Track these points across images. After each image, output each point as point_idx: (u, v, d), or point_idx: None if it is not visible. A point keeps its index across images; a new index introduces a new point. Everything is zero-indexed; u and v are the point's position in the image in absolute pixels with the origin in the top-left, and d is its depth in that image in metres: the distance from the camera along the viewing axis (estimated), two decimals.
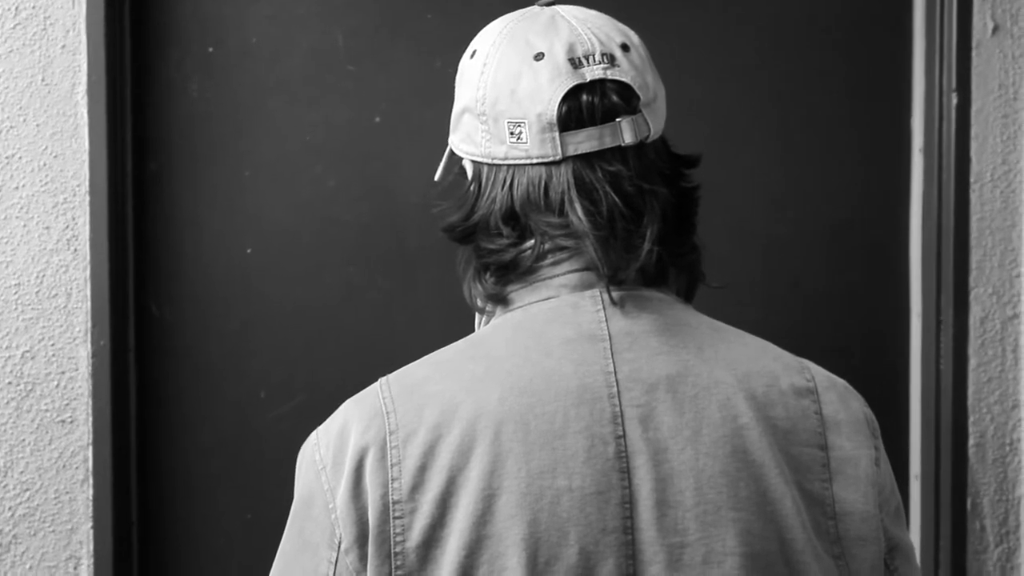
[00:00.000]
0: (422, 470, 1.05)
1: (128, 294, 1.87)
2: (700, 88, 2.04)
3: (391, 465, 1.05)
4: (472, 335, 1.16)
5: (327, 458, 1.08)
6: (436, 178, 1.26)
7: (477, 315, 1.20)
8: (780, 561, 1.07)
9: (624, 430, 1.06)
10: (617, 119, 1.10)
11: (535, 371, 1.08)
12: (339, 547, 1.06)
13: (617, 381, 1.08)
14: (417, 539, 1.04)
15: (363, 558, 1.05)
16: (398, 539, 1.04)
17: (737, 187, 2.06)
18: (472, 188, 1.15)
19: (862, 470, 1.12)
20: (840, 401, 1.14)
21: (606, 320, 1.10)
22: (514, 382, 1.07)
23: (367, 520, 1.05)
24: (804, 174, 2.06)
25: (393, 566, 1.04)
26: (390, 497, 1.04)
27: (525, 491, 1.04)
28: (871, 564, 1.11)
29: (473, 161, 1.16)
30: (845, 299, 2.07)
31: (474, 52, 1.17)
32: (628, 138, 1.10)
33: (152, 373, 1.93)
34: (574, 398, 1.06)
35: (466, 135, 1.16)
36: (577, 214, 1.09)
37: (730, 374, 1.10)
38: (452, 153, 1.21)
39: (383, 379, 1.12)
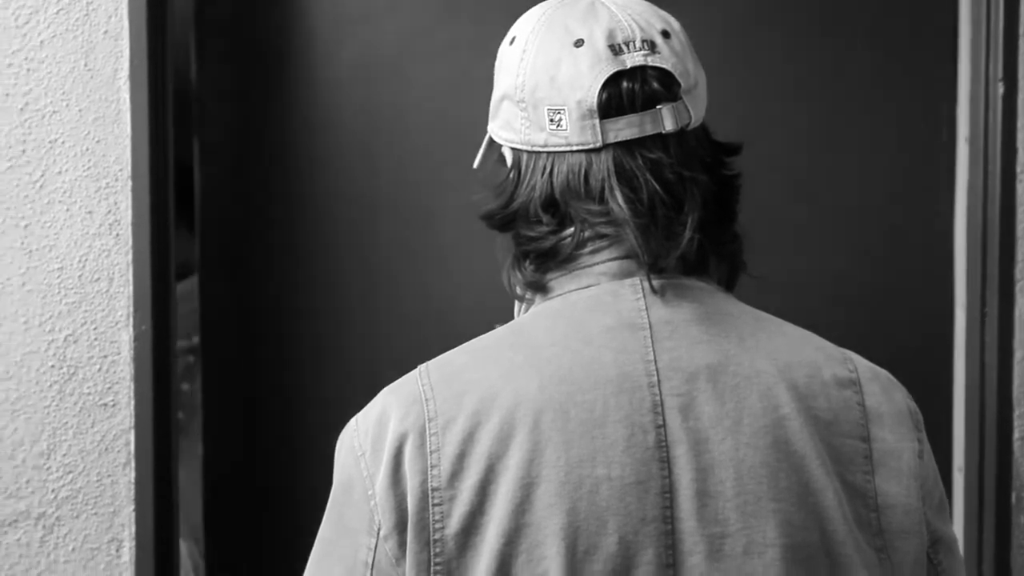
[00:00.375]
0: (461, 457, 1.05)
1: (170, 279, 1.87)
2: (740, 77, 2.02)
3: (430, 452, 1.05)
4: (511, 323, 1.16)
5: (366, 444, 1.09)
6: (475, 166, 1.25)
7: (516, 302, 1.19)
8: (821, 552, 1.06)
9: (664, 419, 1.06)
10: (658, 106, 1.10)
11: (575, 359, 1.07)
12: (378, 533, 1.06)
13: (657, 370, 1.07)
14: (456, 526, 1.04)
15: (402, 545, 1.05)
16: (437, 526, 1.04)
17: (778, 178, 2.04)
18: (511, 176, 1.15)
19: (904, 463, 1.11)
20: (883, 393, 1.13)
21: (646, 308, 1.10)
22: (554, 370, 1.07)
23: (406, 507, 1.05)
24: (847, 164, 2.04)
25: (432, 553, 1.04)
26: (429, 484, 1.05)
27: (564, 480, 1.04)
28: (914, 557, 1.10)
29: (512, 148, 1.16)
30: (889, 291, 2.05)
31: (513, 38, 1.17)
32: (669, 125, 1.10)
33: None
34: (614, 387, 1.06)
35: (505, 122, 1.16)
36: (618, 202, 1.08)
37: (771, 364, 1.09)
38: (491, 141, 1.21)
39: (422, 366, 1.12)
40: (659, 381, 1.07)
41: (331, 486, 1.12)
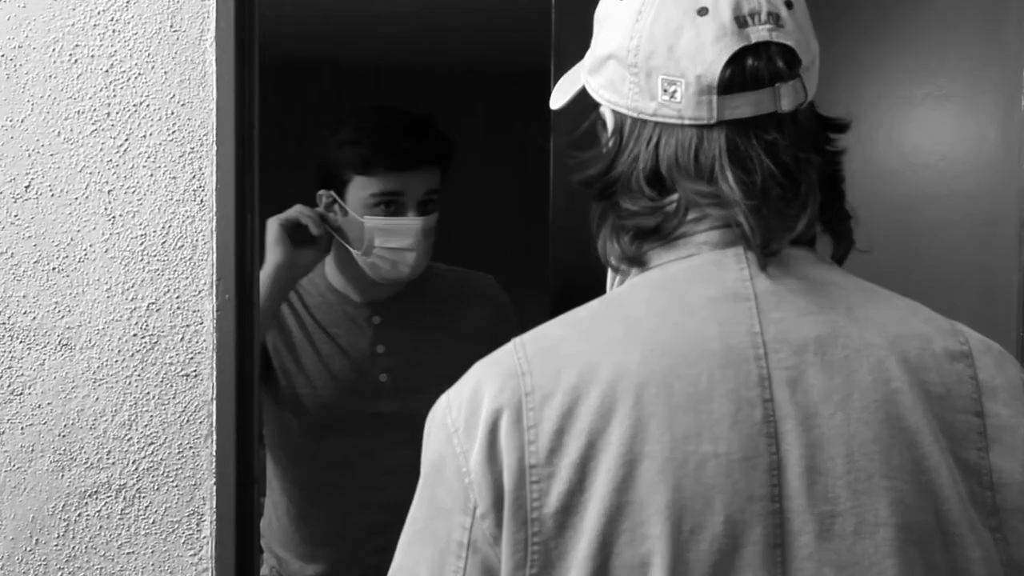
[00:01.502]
0: (560, 433, 1.01)
1: (254, 248, 1.83)
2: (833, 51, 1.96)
3: (527, 428, 1.02)
4: (607, 295, 1.12)
5: (459, 421, 1.05)
6: (553, 104, 1.21)
7: (610, 273, 1.15)
8: (935, 533, 1.02)
9: (772, 393, 1.02)
10: (777, 84, 1.05)
11: (677, 332, 1.04)
12: (474, 512, 1.03)
13: (764, 342, 1.04)
14: (555, 505, 1.01)
15: (499, 523, 1.02)
16: (535, 504, 1.01)
17: (876, 152, 1.98)
18: (613, 142, 1.11)
19: (1020, 438, 1.07)
20: (996, 366, 1.08)
21: (751, 279, 1.06)
22: (656, 343, 1.03)
23: (503, 484, 1.02)
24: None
25: (529, 532, 1.01)
26: (527, 461, 1.01)
27: (669, 456, 1.00)
28: None
29: (615, 111, 1.11)
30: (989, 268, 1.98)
31: None
32: (786, 105, 1.06)
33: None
34: (719, 360, 1.02)
35: (609, 82, 1.11)
36: (728, 183, 1.04)
37: (881, 336, 1.05)
38: (583, 92, 1.16)
39: (517, 339, 1.08)
40: (766, 354, 1.03)
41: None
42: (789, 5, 1.08)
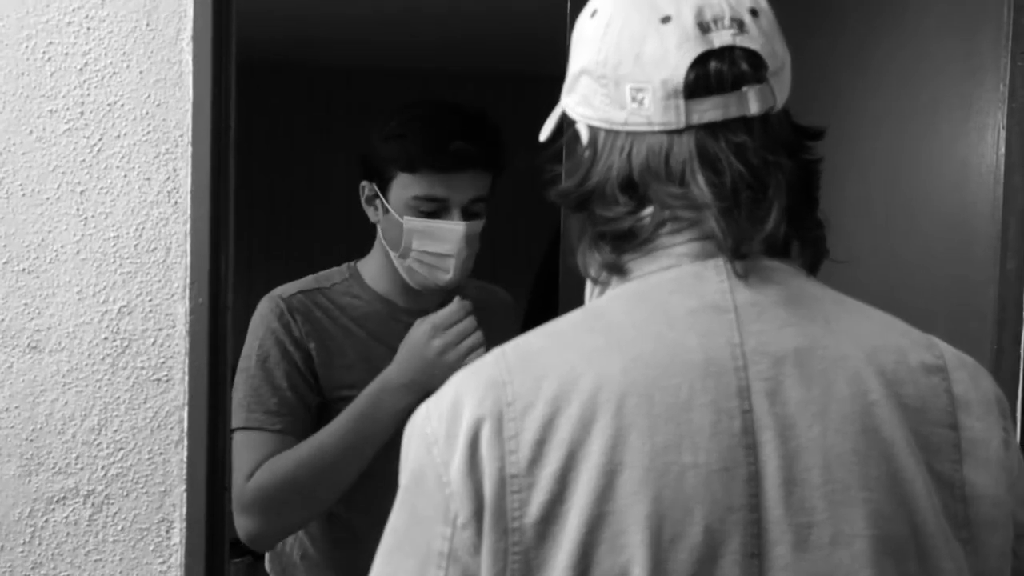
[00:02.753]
0: (541, 444, 1.01)
1: (228, 250, 1.81)
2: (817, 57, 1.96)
3: (508, 438, 1.02)
4: (588, 305, 1.13)
5: (439, 431, 1.05)
6: (542, 137, 1.21)
7: (588, 285, 1.16)
8: (910, 544, 1.03)
9: (751, 404, 1.03)
10: (744, 88, 1.06)
11: (658, 343, 1.04)
12: (455, 522, 1.02)
13: (744, 354, 1.04)
14: (535, 515, 1.00)
15: (480, 533, 1.02)
16: (515, 514, 1.01)
17: (857, 162, 1.98)
18: (587, 154, 1.12)
19: (992, 452, 1.08)
20: (971, 380, 1.10)
21: (731, 291, 1.06)
22: (637, 354, 1.03)
23: (483, 494, 1.01)
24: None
25: (510, 542, 1.01)
26: (507, 471, 1.01)
27: (649, 466, 1.00)
28: (1000, 550, 1.08)
29: (589, 126, 1.12)
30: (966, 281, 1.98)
31: (595, 11, 1.13)
32: (754, 108, 1.07)
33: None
34: (699, 371, 1.03)
35: (583, 98, 1.12)
36: (699, 185, 1.05)
37: (858, 348, 1.06)
38: (565, 115, 1.17)
39: (498, 349, 1.08)
40: (745, 365, 1.03)
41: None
42: (754, 13, 1.10)
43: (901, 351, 1.08)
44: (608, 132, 1.10)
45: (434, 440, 1.05)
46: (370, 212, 2.15)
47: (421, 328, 2.00)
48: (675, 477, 1.00)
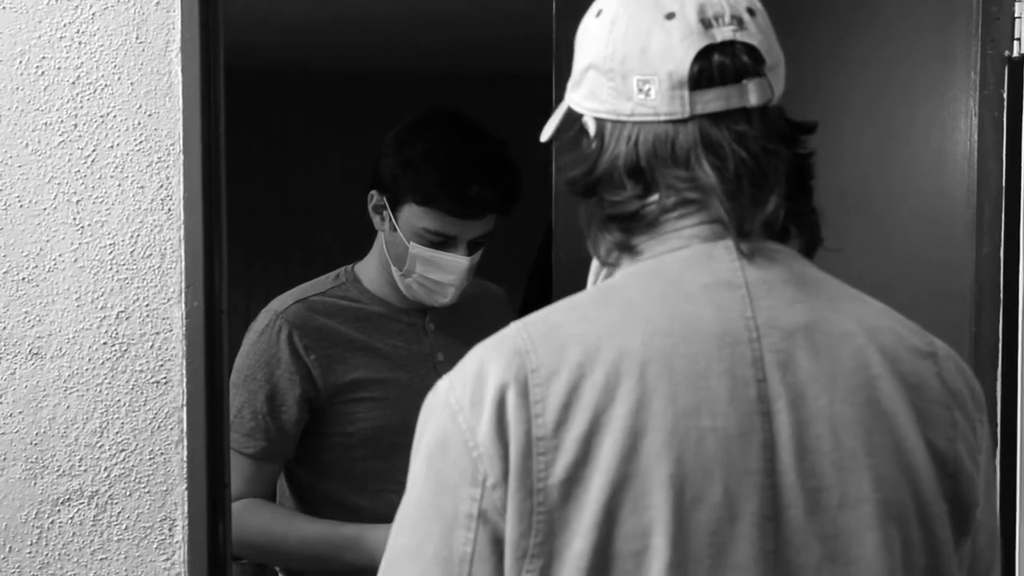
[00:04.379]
0: (566, 408, 1.06)
1: (222, 254, 1.85)
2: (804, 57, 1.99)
3: (534, 402, 1.07)
4: (602, 283, 1.19)
5: (463, 399, 1.09)
6: (543, 138, 1.28)
7: (594, 268, 1.21)
8: (912, 511, 1.09)
9: (765, 374, 1.09)
10: (744, 80, 1.13)
11: (675, 315, 1.10)
12: (484, 483, 1.07)
13: (757, 327, 1.10)
14: (560, 475, 1.05)
15: (507, 494, 1.06)
16: (540, 475, 1.05)
17: (835, 154, 2.01)
18: (594, 145, 1.17)
19: (978, 438, 1.15)
20: (957, 371, 1.16)
21: (742, 269, 1.12)
22: (655, 325, 1.09)
23: (509, 456, 1.06)
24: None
25: (535, 502, 1.05)
26: (533, 434, 1.06)
27: (672, 430, 1.05)
28: (973, 529, 1.14)
29: (596, 118, 1.18)
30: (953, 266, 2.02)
31: (600, 11, 1.19)
32: (754, 100, 1.13)
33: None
34: (716, 342, 1.09)
35: (590, 92, 1.18)
36: (704, 169, 1.11)
37: (860, 327, 1.13)
38: (569, 113, 1.23)
39: (516, 323, 1.13)
40: (759, 337, 1.10)
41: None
42: (751, 12, 1.16)
43: (897, 333, 1.15)
44: (615, 123, 1.16)
45: (459, 408, 1.09)
46: (376, 220, 2.17)
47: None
48: (696, 440, 1.06)
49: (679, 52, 1.13)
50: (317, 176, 5.94)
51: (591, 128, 1.19)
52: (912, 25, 2.05)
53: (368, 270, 2.23)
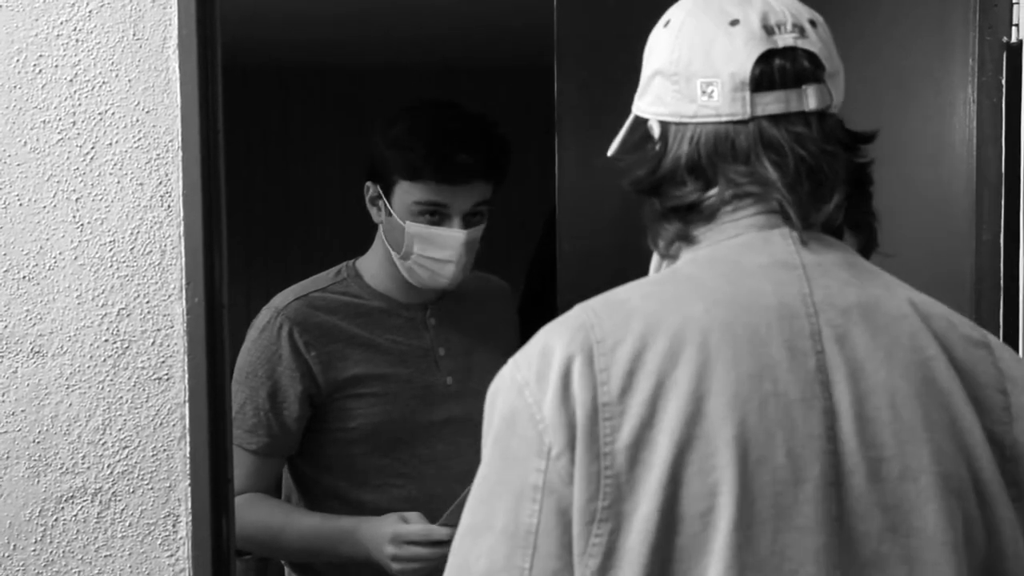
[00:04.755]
0: (630, 374, 1.09)
1: (222, 250, 1.85)
2: None
3: (599, 370, 1.09)
4: (664, 270, 1.22)
5: (529, 376, 1.12)
6: (610, 153, 1.33)
7: (655, 261, 1.25)
8: (970, 487, 1.11)
9: (823, 346, 1.11)
10: (804, 85, 1.17)
11: (736, 288, 1.13)
12: (549, 454, 1.09)
13: (814, 303, 1.13)
14: (627, 439, 1.07)
15: (572, 462, 1.08)
16: (607, 439, 1.07)
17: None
18: (658, 147, 1.22)
19: None
20: (1014, 359, 1.19)
21: (798, 252, 1.16)
22: (717, 297, 1.12)
23: (575, 423, 1.08)
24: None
25: (602, 466, 1.07)
26: (600, 400, 1.08)
27: (735, 393, 1.08)
28: None
29: (660, 121, 1.23)
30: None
31: (668, 21, 1.24)
32: (813, 104, 1.17)
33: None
34: (775, 313, 1.11)
35: (656, 97, 1.23)
36: (764, 165, 1.15)
37: (914, 311, 1.15)
38: (634, 125, 1.27)
39: (583, 303, 1.17)
40: (816, 312, 1.12)
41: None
42: (813, 23, 1.21)
43: (950, 321, 1.18)
44: (678, 125, 1.20)
45: (525, 383, 1.12)
46: (373, 212, 2.18)
47: (385, 528, 2.03)
48: (759, 404, 1.08)
49: (742, 55, 1.17)
50: (317, 172, 5.94)
51: (655, 131, 1.23)
52: (910, 12, 2.05)
53: (370, 265, 2.24)
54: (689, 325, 1.10)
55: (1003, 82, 1.94)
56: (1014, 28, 1.94)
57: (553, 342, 1.12)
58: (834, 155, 1.17)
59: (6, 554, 1.83)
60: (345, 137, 5.77)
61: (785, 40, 1.18)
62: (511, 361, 1.16)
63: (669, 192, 1.20)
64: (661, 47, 1.23)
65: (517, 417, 1.11)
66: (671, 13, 1.25)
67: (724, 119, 1.17)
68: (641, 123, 1.27)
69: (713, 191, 1.18)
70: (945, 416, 1.11)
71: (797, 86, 1.18)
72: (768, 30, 1.18)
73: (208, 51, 1.82)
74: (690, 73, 1.19)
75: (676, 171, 1.19)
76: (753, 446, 1.07)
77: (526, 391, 1.11)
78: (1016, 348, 1.99)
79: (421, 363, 2.19)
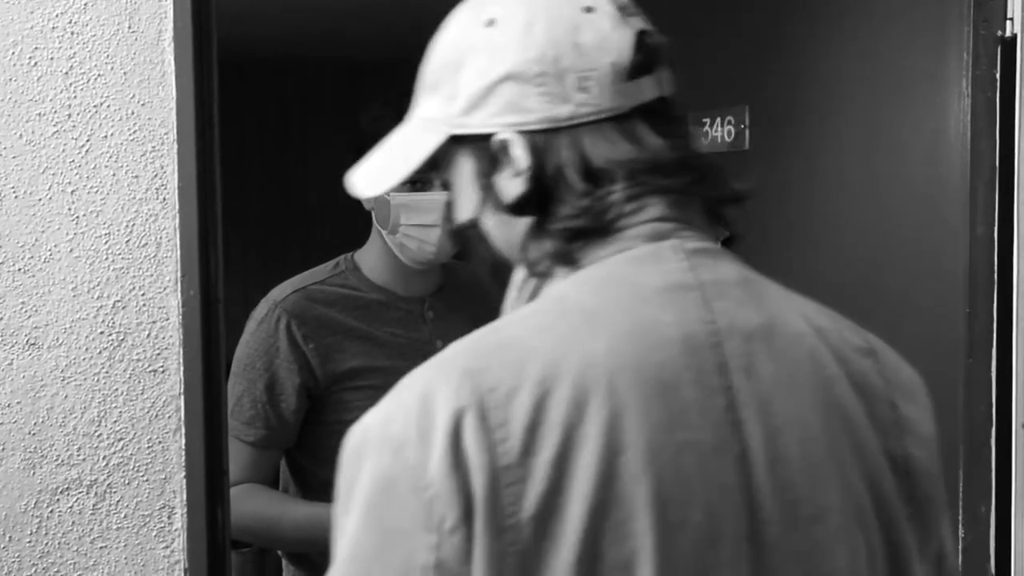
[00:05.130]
0: (531, 430, 0.94)
1: (218, 243, 1.86)
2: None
3: (496, 426, 0.94)
4: (548, 293, 1.08)
5: (408, 431, 0.96)
6: (369, 192, 1.25)
7: (518, 280, 1.12)
8: (873, 516, 1.04)
9: (731, 381, 1.01)
10: (658, 68, 1.09)
11: (636, 319, 1.01)
12: (440, 527, 0.93)
13: (717, 331, 1.02)
14: (532, 508, 0.93)
15: (470, 538, 0.93)
16: (511, 509, 0.93)
17: (831, 138, 2.01)
18: (532, 160, 1.08)
19: (925, 429, 1.10)
20: (896, 364, 1.11)
21: (692, 269, 1.05)
22: (618, 331, 0.99)
23: (472, 492, 0.93)
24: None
25: (506, 542, 0.93)
26: (498, 463, 0.93)
27: (647, 447, 0.95)
28: (938, 529, 1.09)
29: (522, 132, 1.08)
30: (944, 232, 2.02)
31: (492, 20, 1.10)
32: (667, 88, 1.10)
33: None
34: (679, 347, 1.00)
35: (507, 105, 1.07)
36: (645, 164, 1.06)
37: (809, 326, 1.06)
38: (447, 144, 1.13)
39: (457, 343, 1.03)
40: (720, 342, 1.02)
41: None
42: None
43: (839, 332, 1.09)
44: (548, 132, 1.07)
45: (403, 441, 0.96)
46: (364, 200, 2.19)
47: None
48: (673, 456, 0.96)
49: (615, 42, 1.06)
50: (314, 166, 5.95)
51: (519, 146, 1.08)
52: (905, 7, 2.05)
53: (368, 258, 2.25)
54: (592, 368, 0.96)
55: (997, 76, 1.95)
56: (1008, 22, 1.94)
57: (434, 391, 0.96)
58: (688, 137, 1.10)
59: (1, 546, 1.83)
60: (342, 132, 5.77)
61: (638, 23, 1.08)
62: (377, 412, 0.99)
63: (559, 210, 1.06)
64: (500, 49, 1.08)
65: (396, 482, 0.94)
66: (490, 11, 1.10)
67: (605, 115, 1.05)
68: (466, 141, 1.11)
69: (599, 200, 1.05)
70: (849, 442, 1.03)
71: (657, 70, 1.09)
72: (623, 11, 1.08)
73: (204, 44, 1.82)
74: (561, 70, 1.05)
75: (562, 183, 1.06)
76: (671, 506, 0.94)
77: (407, 451, 0.94)
78: (1010, 342, 2.00)
79: (419, 356, 2.17)
